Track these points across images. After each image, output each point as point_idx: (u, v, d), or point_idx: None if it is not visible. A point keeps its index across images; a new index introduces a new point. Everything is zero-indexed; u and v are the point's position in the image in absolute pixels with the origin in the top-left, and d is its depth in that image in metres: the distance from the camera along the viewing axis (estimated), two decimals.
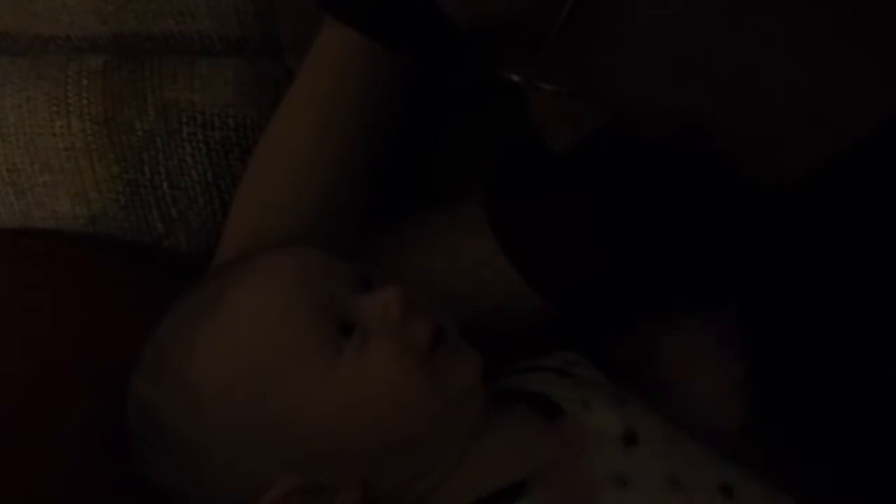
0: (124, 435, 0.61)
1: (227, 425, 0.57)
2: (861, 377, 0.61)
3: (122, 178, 0.78)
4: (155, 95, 0.78)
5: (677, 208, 0.64)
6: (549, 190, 0.67)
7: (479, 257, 0.67)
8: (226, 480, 0.58)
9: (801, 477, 0.64)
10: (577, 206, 0.66)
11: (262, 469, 0.57)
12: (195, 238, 0.78)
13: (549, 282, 0.67)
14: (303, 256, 0.62)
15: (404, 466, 0.58)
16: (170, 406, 0.59)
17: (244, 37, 0.79)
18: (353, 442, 0.57)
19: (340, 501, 0.57)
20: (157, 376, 0.60)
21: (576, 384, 0.63)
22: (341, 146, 0.66)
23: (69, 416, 0.63)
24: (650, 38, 0.48)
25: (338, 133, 0.66)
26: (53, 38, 0.81)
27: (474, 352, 0.59)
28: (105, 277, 0.75)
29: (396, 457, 0.57)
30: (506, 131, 0.67)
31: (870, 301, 0.58)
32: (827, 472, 0.66)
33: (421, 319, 0.58)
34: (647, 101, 0.51)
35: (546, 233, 0.67)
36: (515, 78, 0.51)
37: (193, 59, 0.79)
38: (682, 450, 0.60)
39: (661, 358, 0.70)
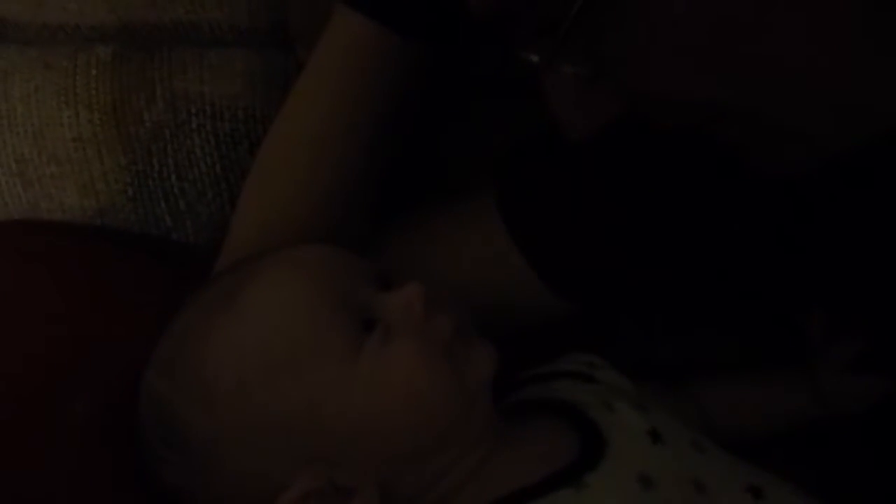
0: (130, 430, 0.60)
1: (243, 423, 0.56)
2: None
3: (130, 170, 0.77)
4: (164, 86, 0.77)
5: (690, 201, 0.63)
6: (561, 182, 0.66)
7: (490, 251, 0.67)
8: (239, 480, 0.57)
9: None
10: (589, 198, 0.65)
11: (278, 469, 0.56)
12: (203, 231, 0.78)
13: (561, 276, 0.66)
14: (323, 252, 0.61)
15: (423, 468, 0.56)
16: (184, 402, 0.57)
17: (254, 26, 0.79)
18: (373, 441, 0.56)
19: (359, 502, 0.56)
20: (172, 371, 0.59)
21: (597, 389, 0.62)
22: (350, 136, 0.65)
23: (71, 409, 0.63)
24: (675, 21, 0.47)
25: (347, 123, 0.65)
26: (62, 26, 0.81)
27: (490, 345, 0.58)
28: (112, 270, 0.75)
29: (416, 457, 0.56)
30: (516, 126, 0.66)
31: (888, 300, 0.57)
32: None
33: (443, 316, 0.57)
34: (669, 86, 0.50)
35: (558, 226, 0.66)
36: (534, 58, 0.49)
37: (203, 50, 0.78)
38: (708, 455, 0.59)
39: None
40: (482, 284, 0.67)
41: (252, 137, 0.76)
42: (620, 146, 0.59)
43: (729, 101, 0.50)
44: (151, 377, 0.60)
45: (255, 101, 0.77)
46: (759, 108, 0.50)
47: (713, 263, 0.64)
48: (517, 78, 0.51)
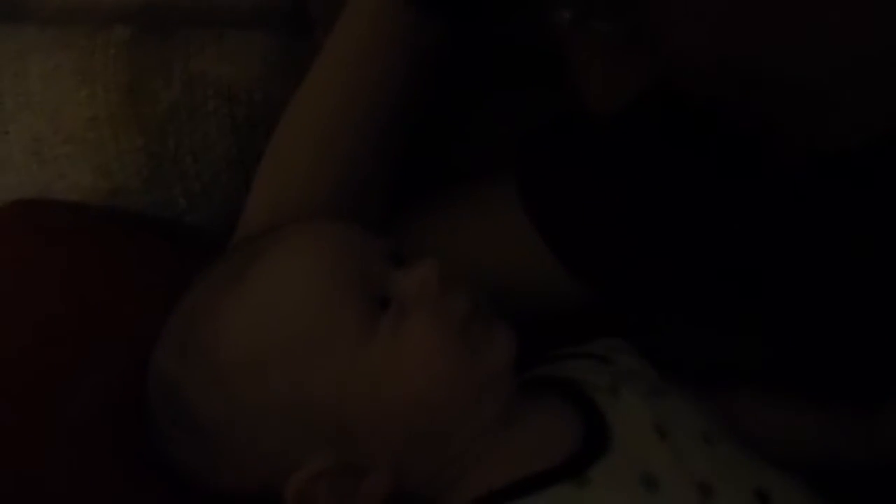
0: (138, 408, 0.60)
1: (254, 401, 0.55)
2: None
3: (146, 151, 0.76)
4: (182, 67, 0.76)
5: (717, 186, 0.62)
6: (582, 166, 0.65)
7: (510, 235, 0.66)
8: (251, 460, 0.56)
9: None
10: (610, 182, 0.64)
11: (291, 448, 0.55)
12: (217, 214, 0.77)
13: (581, 260, 0.65)
14: (336, 227, 0.60)
15: (438, 450, 0.56)
16: (194, 380, 0.57)
17: (273, 7, 0.78)
18: (387, 420, 0.55)
19: (370, 485, 0.55)
20: (182, 350, 0.58)
21: (609, 370, 0.61)
22: (367, 114, 0.64)
23: (79, 388, 0.62)
24: None
25: (364, 101, 0.64)
26: (81, 5, 0.80)
27: (509, 328, 0.57)
28: (125, 252, 0.75)
29: (430, 439, 0.55)
30: (539, 112, 0.65)
31: None
32: None
33: (458, 294, 0.56)
34: (709, 47, 0.47)
35: (578, 209, 0.65)
36: (566, 15, 0.47)
37: (222, 32, 0.78)
38: (719, 451, 0.57)
39: None
40: (502, 269, 0.65)
41: (268, 121, 0.75)
42: (644, 128, 0.58)
43: (771, 64, 0.47)
44: (160, 357, 0.59)
45: (273, 84, 0.76)
46: (801, 73, 0.48)
47: (741, 253, 0.63)
48: (541, 57, 0.49)
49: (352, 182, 0.65)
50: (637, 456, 0.55)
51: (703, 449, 0.57)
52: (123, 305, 0.68)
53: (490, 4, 0.62)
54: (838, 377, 0.64)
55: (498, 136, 0.72)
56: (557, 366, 0.62)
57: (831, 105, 0.49)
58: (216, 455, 0.57)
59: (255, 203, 0.67)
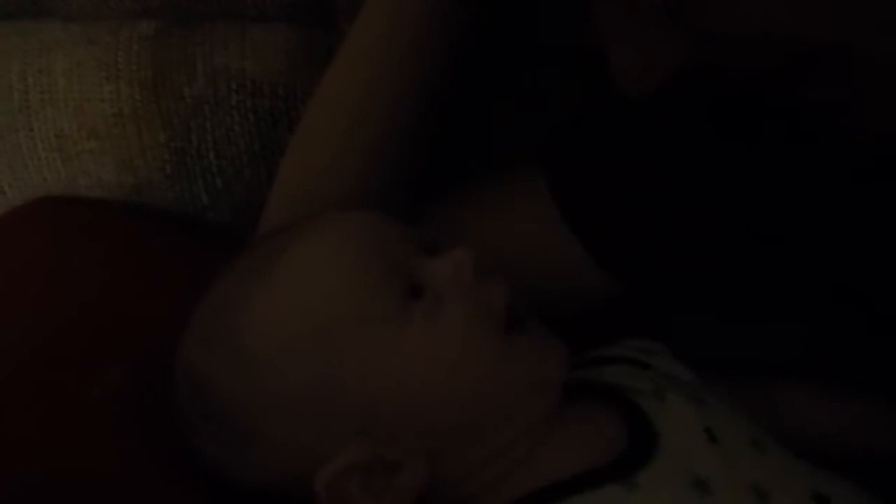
0: (163, 404, 0.59)
1: (284, 393, 0.54)
2: None
3: (169, 147, 0.76)
4: (205, 62, 0.76)
5: (755, 173, 0.60)
6: (612, 154, 0.63)
7: (538, 226, 0.64)
8: (280, 453, 0.55)
9: None
10: (641, 170, 0.62)
11: (321, 441, 0.53)
12: (240, 209, 0.76)
13: (611, 251, 0.63)
14: (368, 216, 0.58)
15: (473, 448, 0.54)
16: (222, 371, 0.55)
17: (297, 1, 0.77)
18: (421, 413, 0.53)
19: (403, 481, 0.53)
20: (209, 340, 0.57)
21: (651, 376, 0.59)
22: (391, 106, 0.63)
23: (103, 382, 0.62)
24: None
25: (388, 92, 0.63)
26: (105, 1, 0.80)
27: (561, 342, 0.56)
28: (148, 247, 0.75)
29: (465, 435, 0.54)
30: (568, 101, 0.64)
31: None
32: None
33: (494, 284, 0.55)
34: (762, 20, 0.44)
35: (607, 198, 0.63)
36: None
37: (245, 26, 0.77)
38: (771, 456, 0.56)
39: None
40: (530, 260, 0.64)
41: (292, 115, 0.75)
42: (678, 112, 0.56)
43: (835, 33, 0.44)
44: (186, 349, 0.58)
45: (297, 79, 0.75)
46: (872, 45, 0.44)
47: (779, 242, 0.61)
48: (571, 44, 0.48)
49: (376, 175, 0.64)
50: (686, 460, 0.53)
51: (753, 454, 0.55)
52: (147, 300, 0.68)
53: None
54: (874, 363, 0.62)
55: (526, 126, 0.71)
56: (595, 370, 0.60)
57: (881, 91, 0.47)
58: (245, 448, 0.55)
59: (278, 196, 0.66)
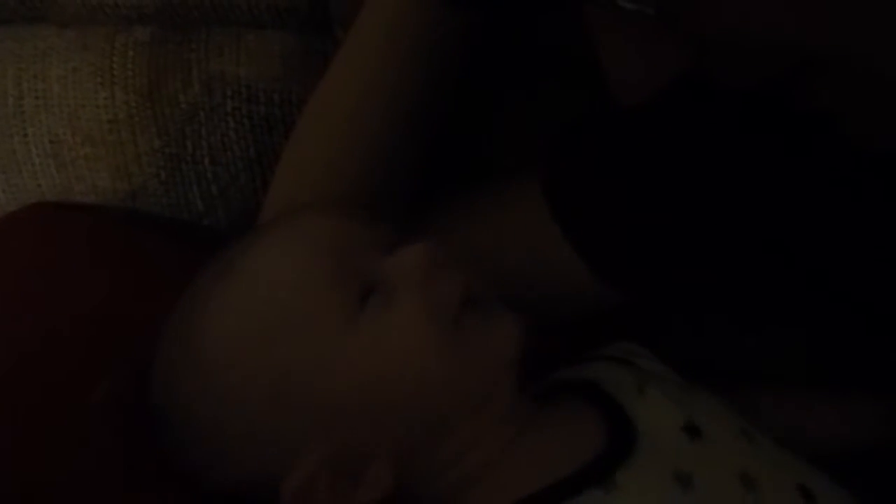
0: (148, 413, 0.59)
1: (243, 396, 0.54)
2: None
3: (164, 153, 0.76)
4: (200, 68, 0.76)
5: (755, 181, 0.59)
6: (607, 162, 0.63)
7: (534, 233, 0.64)
8: (249, 457, 0.55)
9: None
10: (638, 178, 0.62)
11: (285, 444, 0.53)
12: (235, 216, 0.77)
13: (607, 260, 0.63)
14: (325, 216, 0.58)
15: (437, 446, 0.54)
16: (187, 378, 0.56)
17: (293, 6, 0.77)
18: (379, 410, 0.53)
19: (370, 480, 0.53)
20: (175, 348, 0.57)
21: (632, 371, 0.59)
22: (388, 111, 0.63)
23: (94, 389, 0.62)
24: None
25: (385, 97, 0.63)
26: (101, 5, 0.80)
27: (515, 317, 0.55)
28: (142, 253, 0.74)
29: (427, 433, 0.53)
30: (566, 109, 0.64)
31: None
32: None
33: (450, 278, 0.54)
34: (750, 29, 0.44)
35: (603, 207, 0.63)
36: None
37: (240, 32, 0.77)
38: (759, 446, 0.55)
39: None
40: (525, 268, 0.64)
41: (287, 122, 0.75)
42: (674, 121, 0.56)
43: (834, 42, 0.44)
44: (157, 359, 0.58)
45: (292, 85, 0.75)
46: (871, 53, 0.44)
47: (780, 251, 0.61)
48: (569, 51, 0.47)
49: (371, 182, 0.64)
50: (667, 454, 0.53)
51: (740, 443, 0.55)
52: (141, 307, 0.67)
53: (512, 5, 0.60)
54: (866, 365, 0.62)
55: (524, 134, 0.71)
56: (576, 369, 0.60)
57: (886, 100, 0.46)
58: (215, 452, 0.55)
59: (274, 203, 0.66)
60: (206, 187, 0.76)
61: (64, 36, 0.80)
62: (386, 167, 0.64)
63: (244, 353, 0.54)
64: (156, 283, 0.69)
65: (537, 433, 0.55)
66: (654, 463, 0.53)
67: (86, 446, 0.60)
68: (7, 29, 0.81)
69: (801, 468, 0.55)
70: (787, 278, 0.63)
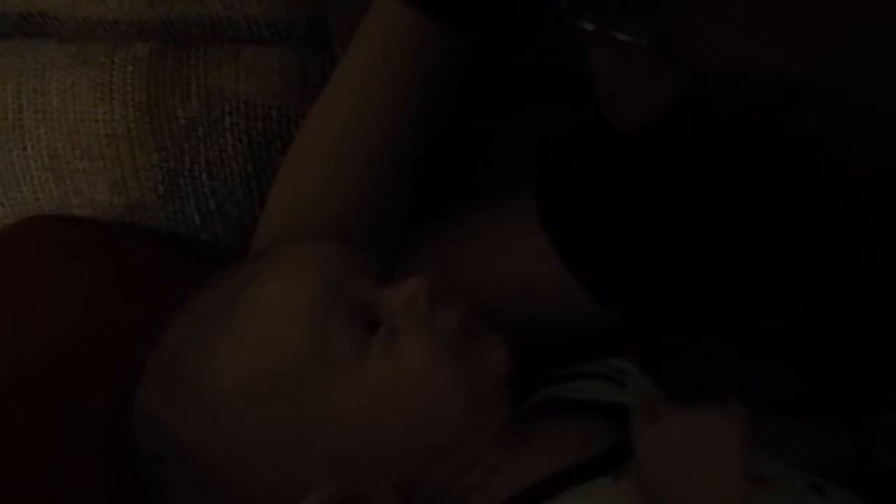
0: (130, 447, 0.58)
1: (247, 435, 0.54)
2: None
3: (162, 167, 0.76)
4: (199, 83, 0.76)
5: (750, 204, 0.60)
6: (604, 183, 0.63)
7: (529, 255, 0.64)
8: (247, 498, 0.55)
9: None
10: (634, 200, 0.62)
11: (289, 483, 0.54)
12: (232, 231, 0.77)
13: (603, 284, 0.63)
14: (322, 249, 0.59)
15: (441, 468, 0.54)
16: (183, 418, 0.55)
17: (292, 23, 0.78)
18: (387, 445, 0.54)
19: None
20: (169, 386, 0.57)
21: (628, 393, 0.59)
22: (384, 131, 0.63)
23: (84, 404, 0.62)
24: None
25: (382, 116, 0.63)
26: (101, 22, 0.80)
27: (501, 339, 0.56)
28: (140, 268, 0.74)
29: (432, 457, 0.54)
30: (561, 129, 0.64)
31: None
32: None
33: (449, 308, 0.55)
34: (741, 58, 0.45)
35: (599, 230, 0.63)
36: (588, 27, 0.45)
37: (239, 48, 0.78)
38: (766, 454, 0.55)
39: None
40: (520, 290, 0.64)
41: (285, 138, 0.75)
42: (670, 141, 0.56)
43: (816, 72, 0.45)
44: (145, 393, 0.58)
45: (290, 101, 0.76)
46: (847, 81, 0.45)
47: (777, 274, 0.61)
48: (565, 73, 0.48)
49: (367, 199, 0.64)
50: None
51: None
52: (137, 321, 0.67)
53: (513, 18, 0.61)
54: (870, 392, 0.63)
55: (519, 153, 0.71)
56: (566, 386, 0.61)
57: (877, 118, 0.47)
58: (208, 494, 0.55)
59: (269, 220, 0.66)
60: (204, 202, 0.76)
61: (64, 51, 0.80)
62: (382, 185, 0.64)
63: (252, 399, 0.54)
64: (152, 298, 0.69)
65: (535, 445, 0.55)
66: None
67: (82, 462, 0.60)
68: (7, 43, 0.82)
69: (807, 472, 0.55)
70: (780, 301, 0.63)
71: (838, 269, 0.60)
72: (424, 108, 0.64)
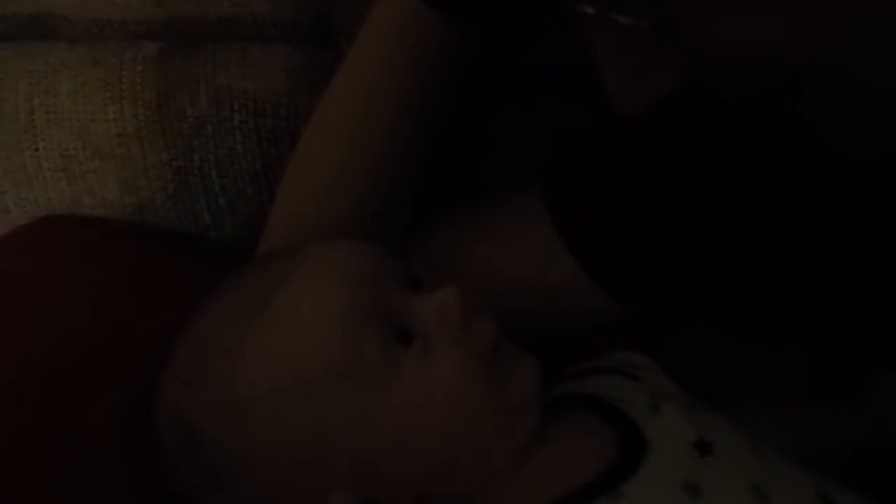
0: (150, 434, 0.58)
1: (272, 438, 0.54)
2: None
3: (172, 166, 0.76)
4: (208, 82, 0.76)
5: (757, 192, 0.59)
6: (611, 174, 0.63)
7: (538, 248, 0.64)
8: (268, 498, 0.55)
9: None
10: (642, 190, 0.62)
11: (311, 489, 0.54)
12: (242, 228, 0.77)
13: (612, 274, 0.63)
14: (355, 253, 0.58)
15: (461, 480, 0.54)
16: (211, 419, 0.55)
17: (298, 21, 0.78)
18: (411, 456, 0.53)
19: None
20: (197, 383, 0.56)
21: (643, 388, 0.59)
22: (390, 127, 0.63)
23: (97, 403, 0.62)
24: None
25: (388, 110, 0.63)
26: (109, 22, 0.80)
27: (532, 357, 0.56)
28: (150, 267, 0.75)
29: (454, 470, 0.54)
30: (567, 124, 0.64)
31: None
32: None
33: (482, 321, 0.55)
34: (743, 40, 0.45)
35: (607, 221, 0.63)
36: (589, 10, 0.45)
37: (247, 46, 0.78)
38: (770, 461, 0.55)
39: None
40: (529, 283, 0.64)
41: (294, 135, 0.75)
42: (676, 132, 0.56)
43: (822, 57, 0.45)
44: (172, 390, 0.58)
45: (298, 98, 0.76)
46: (851, 65, 0.45)
47: (781, 262, 0.61)
48: (566, 69, 0.48)
49: (374, 196, 0.64)
50: (677, 466, 0.53)
51: (753, 459, 0.55)
52: (149, 320, 0.68)
53: (517, 9, 0.60)
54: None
55: (525, 147, 0.71)
56: (582, 382, 0.61)
57: (881, 103, 0.47)
58: (229, 493, 0.55)
59: (277, 217, 0.66)
60: (214, 200, 0.76)
61: (74, 51, 0.80)
62: (389, 181, 0.64)
63: (280, 403, 0.54)
64: (163, 296, 0.70)
65: (548, 449, 0.55)
66: (663, 474, 0.53)
67: (89, 461, 0.60)
68: (18, 45, 0.82)
69: (817, 478, 0.55)
70: (787, 290, 0.63)
71: (840, 256, 0.59)
72: (430, 101, 0.64)
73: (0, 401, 0.62)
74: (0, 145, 0.79)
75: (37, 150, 0.79)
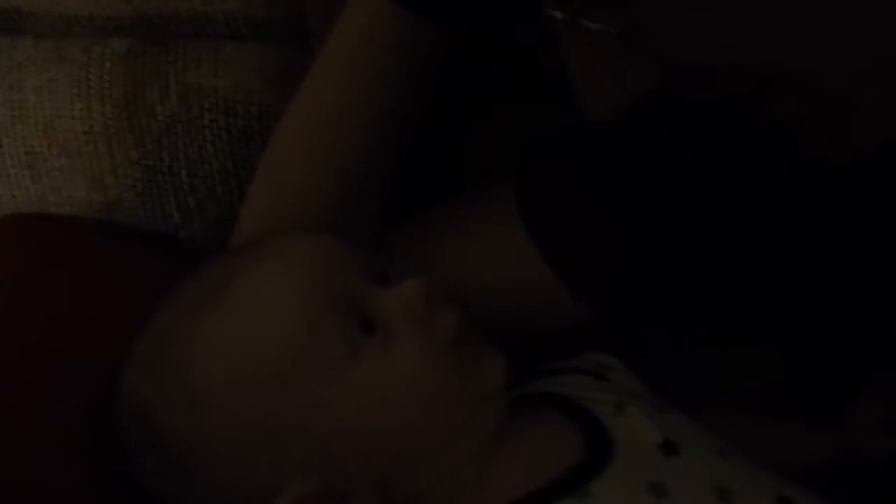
0: (115, 433, 0.58)
1: (233, 428, 0.54)
2: None
3: (140, 164, 0.76)
4: (178, 80, 0.76)
5: (728, 195, 0.60)
6: (582, 177, 0.63)
7: (508, 250, 0.64)
8: (229, 488, 0.55)
9: None
10: (612, 193, 0.62)
11: (270, 475, 0.53)
12: (212, 228, 0.76)
13: (582, 277, 0.63)
14: (318, 244, 0.58)
15: (424, 471, 0.54)
16: (169, 405, 0.55)
17: (270, 20, 0.77)
18: (371, 446, 0.54)
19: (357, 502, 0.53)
20: (156, 372, 0.57)
21: (610, 387, 0.60)
22: (362, 125, 0.63)
23: (67, 400, 0.61)
24: None
25: (361, 109, 0.63)
26: (77, 18, 0.80)
27: (498, 351, 0.56)
28: (119, 266, 0.74)
29: (416, 461, 0.54)
30: (540, 126, 0.64)
31: None
32: None
33: (445, 312, 0.55)
34: (713, 45, 0.45)
35: (578, 223, 0.63)
36: (558, 15, 0.45)
37: (218, 45, 0.77)
38: (735, 463, 0.56)
39: None
40: (499, 284, 0.64)
41: (265, 134, 0.74)
42: (650, 132, 0.56)
43: (788, 62, 0.45)
44: (132, 378, 0.58)
45: (270, 98, 0.75)
46: (823, 71, 0.45)
47: (754, 266, 0.61)
48: (542, 67, 0.48)
49: (347, 194, 0.64)
50: (643, 465, 0.54)
51: (717, 460, 0.56)
52: (116, 319, 0.67)
53: (488, 11, 0.61)
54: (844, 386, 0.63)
55: (498, 148, 0.71)
56: (550, 381, 0.61)
57: (851, 108, 0.47)
58: (191, 482, 0.55)
59: (248, 215, 0.66)
60: (183, 199, 0.76)
61: (40, 47, 0.79)
62: (362, 179, 0.64)
63: (239, 389, 0.54)
64: (131, 296, 0.69)
65: (515, 446, 0.55)
66: (629, 474, 0.53)
67: (54, 461, 0.60)
68: None
69: (777, 481, 0.56)
70: (760, 291, 0.63)
71: (813, 260, 0.60)
72: (402, 102, 0.63)
73: None
74: None
75: (1, 146, 0.78)
